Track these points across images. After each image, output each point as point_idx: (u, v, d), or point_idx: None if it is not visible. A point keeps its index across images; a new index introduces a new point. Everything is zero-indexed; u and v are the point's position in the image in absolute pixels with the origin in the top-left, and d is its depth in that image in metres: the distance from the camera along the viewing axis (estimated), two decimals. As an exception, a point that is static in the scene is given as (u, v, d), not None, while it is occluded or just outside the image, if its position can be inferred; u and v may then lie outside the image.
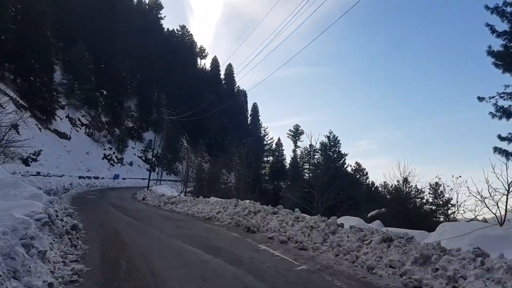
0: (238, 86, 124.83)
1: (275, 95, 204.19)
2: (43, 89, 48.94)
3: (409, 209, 54.94)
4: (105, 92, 65.38)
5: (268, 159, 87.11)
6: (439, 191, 51.89)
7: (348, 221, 10.48)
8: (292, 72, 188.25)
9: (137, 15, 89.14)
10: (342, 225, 9.56)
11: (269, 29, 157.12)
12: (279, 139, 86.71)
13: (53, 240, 7.99)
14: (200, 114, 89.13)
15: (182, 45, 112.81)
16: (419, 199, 55.90)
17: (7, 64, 47.46)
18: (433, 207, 52.24)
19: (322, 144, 79.89)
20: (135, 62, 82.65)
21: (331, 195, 18.39)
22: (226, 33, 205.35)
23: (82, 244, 8.60)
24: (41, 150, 33.87)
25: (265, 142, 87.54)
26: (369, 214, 14.38)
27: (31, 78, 46.28)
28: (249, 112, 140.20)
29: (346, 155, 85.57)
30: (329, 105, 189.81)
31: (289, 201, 42.97)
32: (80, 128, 58.73)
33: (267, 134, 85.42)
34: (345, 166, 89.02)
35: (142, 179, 62.47)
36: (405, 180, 57.24)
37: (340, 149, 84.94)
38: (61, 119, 54.09)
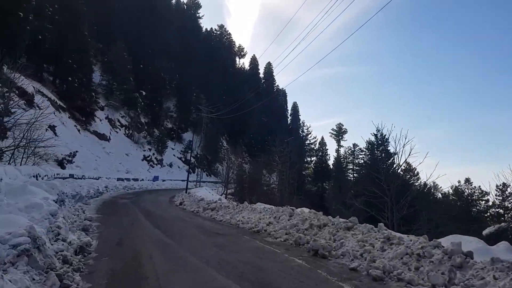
0: (277, 85, 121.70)
1: (313, 95, 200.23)
2: (82, 90, 48.01)
3: (471, 213, 49.45)
4: (144, 93, 64.28)
5: (311, 159, 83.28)
6: (507, 192, 46.28)
7: (465, 244, 7.05)
8: (328, 72, 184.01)
9: (176, 15, 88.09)
10: (470, 255, 6.18)
11: (305, 28, 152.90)
12: (322, 138, 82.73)
13: (32, 280, 5.20)
14: (239, 112, 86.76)
15: (221, 45, 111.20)
16: (484, 202, 50.32)
17: (45, 65, 46.90)
18: (500, 210, 46.61)
19: (368, 142, 75.22)
20: (174, 62, 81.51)
21: (406, 202, 14.83)
22: (262, 33, 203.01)
23: (81, 281, 5.79)
24: (76, 151, 32.35)
25: (308, 142, 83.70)
26: (485, 231, 10.93)
27: (69, 78, 45.36)
28: (289, 111, 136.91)
29: (395, 154, 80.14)
30: (367, 104, 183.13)
31: (340, 208, 39.33)
32: (120, 129, 57.71)
33: (310, 133, 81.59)
34: (394, 166, 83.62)
35: (182, 180, 60.67)
36: (467, 180, 51.58)
37: (388, 148, 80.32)
38: (100, 120, 53.16)
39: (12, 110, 27.98)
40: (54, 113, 42.24)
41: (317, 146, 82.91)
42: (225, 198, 51.34)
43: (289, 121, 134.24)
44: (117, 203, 19.69)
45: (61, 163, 30.44)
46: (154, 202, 22.83)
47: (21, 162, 21.93)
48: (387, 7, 40.23)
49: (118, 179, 40.43)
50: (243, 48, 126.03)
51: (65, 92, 46.68)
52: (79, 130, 45.69)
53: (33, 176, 16.95)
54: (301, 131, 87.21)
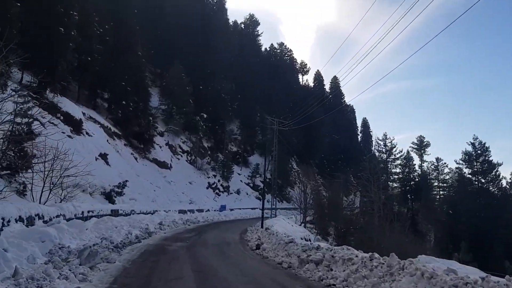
0: (345, 100, 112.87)
1: (378, 112, 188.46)
2: (138, 114, 43.71)
3: None
4: (205, 116, 59.41)
5: (397, 177, 72.74)
6: None
7: None
8: (393, 87, 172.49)
9: (233, 33, 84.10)
10: None
11: (363, 45, 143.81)
12: (408, 153, 72.42)
13: None
14: (309, 122, 79.13)
15: (282, 62, 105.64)
16: None
17: (99, 91, 43.28)
18: None
19: (465, 153, 63.46)
20: (234, 82, 76.55)
21: None
22: (318, 54, 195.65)
23: None
24: (126, 181, 26.86)
25: (392, 157, 73.35)
26: None
27: (124, 102, 41.17)
28: (359, 128, 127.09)
29: (499, 165, 67.06)
30: (438, 117, 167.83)
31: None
32: (181, 156, 52.80)
33: (394, 147, 71.07)
34: (499, 179, 69.96)
35: (252, 208, 54.08)
36: None
37: (490, 158, 67.33)
38: (160, 147, 48.54)
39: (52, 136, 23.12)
40: (107, 140, 38.05)
41: (399, 162, 72.47)
42: (304, 226, 43.76)
43: (359, 139, 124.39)
44: (164, 251, 13.03)
45: (109, 196, 24.91)
46: (220, 245, 15.93)
47: (40, 196, 16.32)
48: (447, 15, 31.50)
49: (180, 212, 34.54)
50: (306, 64, 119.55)
51: (120, 118, 42.61)
52: (136, 158, 40.97)
53: (57, 216, 11.23)
54: (379, 146, 77.15)
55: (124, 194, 26.38)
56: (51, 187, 16.16)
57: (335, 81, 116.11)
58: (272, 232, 16.81)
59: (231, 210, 48.00)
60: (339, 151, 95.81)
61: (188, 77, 56.85)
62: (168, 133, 52.49)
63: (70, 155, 20.01)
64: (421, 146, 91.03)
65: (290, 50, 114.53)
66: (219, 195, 52.93)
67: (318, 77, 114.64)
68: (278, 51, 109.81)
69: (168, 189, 42.12)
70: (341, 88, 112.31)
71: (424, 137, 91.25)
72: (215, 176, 54.75)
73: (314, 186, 54.25)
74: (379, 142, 58.76)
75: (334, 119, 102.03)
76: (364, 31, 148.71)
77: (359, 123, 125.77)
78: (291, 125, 31.04)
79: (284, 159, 69.03)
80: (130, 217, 19.68)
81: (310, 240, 24.34)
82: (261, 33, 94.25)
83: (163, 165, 46.47)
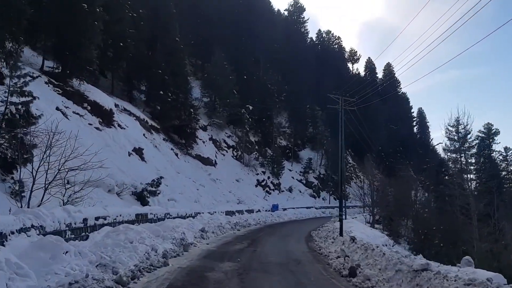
0: (401, 88, 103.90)
1: (430, 103, 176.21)
2: (178, 106, 39.50)
3: None
4: (250, 108, 54.35)
5: (470, 168, 63.66)
6: None
7: None
8: (441, 77, 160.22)
9: (277, 19, 78.64)
10: None
11: (412, 36, 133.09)
12: (481, 140, 63.59)
13: None
14: (365, 119, 72.57)
15: (330, 51, 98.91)
16: None
17: (135, 81, 39.45)
18: None
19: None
20: (280, 72, 70.93)
21: None
22: (368, 40, 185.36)
23: None
24: (161, 178, 22.22)
25: (467, 145, 64.17)
26: None
27: (161, 92, 37.02)
28: (415, 119, 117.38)
29: None
30: (493, 105, 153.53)
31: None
32: (227, 151, 48.18)
33: (469, 133, 61.73)
34: None
35: (307, 208, 48.50)
36: None
37: None
38: (203, 142, 44.15)
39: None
40: (144, 134, 33.98)
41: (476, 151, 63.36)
42: (373, 227, 37.62)
43: (415, 130, 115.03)
44: (202, 283, 7.91)
45: (141, 197, 20.41)
46: (287, 265, 10.69)
47: (42, 198, 11.83)
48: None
49: (227, 213, 29.70)
50: (356, 51, 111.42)
51: (158, 111, 38.62)
52: (177, 154, 36.70)
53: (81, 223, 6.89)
54: (450, 133, 67.62)
55: (159, 193, 21.80)
56: (46, 185, 11.56)
57: (388, 68, 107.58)
58: (367, 245, 11.18)
59: (284, 210, 42.74)
60: (397, 143, 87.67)
61: (231, 66, 52.17)
62: (212, 127, 48.04)
63: (87, 146, 15.63)
64: (489, 134, 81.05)
65: (338, 38, 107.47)
66: (270, 194, 47.78)
67: (370, 65, 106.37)
68: (326, 38, 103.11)
69: (213, 188, 37.51)
70: (396, 75, 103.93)
71: (492, 124, 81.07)
72: (264, 172, 49.67)
73: (381, 181, 47.58)
74: (450, 128, 50.91)
75: (390, 110, 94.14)
76: (408, 20, 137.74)
77: (414, 114, 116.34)
78: (358, 104, 25.42)
79: (338, 152, 62.66)
80: (162, 224, 14.88)
81: (388, 246, 18.73)
82: (307, 19, 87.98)
83: (207, 161, 42.03)
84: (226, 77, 50.11)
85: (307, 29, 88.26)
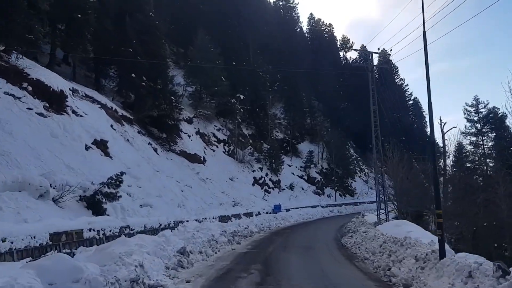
0: (400, 74, 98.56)
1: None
2: (156, 93, 32.98)
3: None
4: (241, 97, 48.04)
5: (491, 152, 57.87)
6: None
7: None
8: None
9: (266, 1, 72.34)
10: None
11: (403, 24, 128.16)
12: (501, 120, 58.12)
13: None
14: (368, 108, 67.14)
15: (323, 39, 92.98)
16: None
17: (102, 66, 32.72)
18: None
19: None
20: (272, 60, 64.62)
21: None
22: (359, 28, 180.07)
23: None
24: (122, 174, 15.52)
25: (488, 126, 58.38)
26: None
27: (133, 75, 30.46)
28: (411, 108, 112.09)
29: None
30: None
31: None
32: (217, 146, 41.81)
33: (491, 112, 55.14)
34: None
35: (312, 207, 42.34)
36: None
37: None
38: (189, 136, 37.80)
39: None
40: (112, 126, 27.44)
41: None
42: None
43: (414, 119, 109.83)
44: None
45: (93, 202, 13.98)
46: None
47: None
48: None
49: (221, 219, 23.44)
50: (348, 39, 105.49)
51: (133, 101, 32.23)
52: (156, 150, 30.22)
53: None
54: (469, 113, 61.84)
55: (119, 197, 15.20)
56: None
57: (384, 55, 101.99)
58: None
59: (287, 210, 36.60)
60: (400, 132, 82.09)
61: (217, 49, 45.80)
62: (198, 119, 41.67)
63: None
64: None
65: (330, 25, 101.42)
66: (269, 193, 41.56)
67: (364, 53, 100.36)
68: (317, 26, 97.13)
69: (203, 189, 31.16)
70: (393, 62, 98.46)
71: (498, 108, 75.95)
72: (261, 169, 43.40)
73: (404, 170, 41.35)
74: (469, 109, 45.31)
75: (390, 97, 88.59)
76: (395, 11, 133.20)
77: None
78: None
79: (340, 144, 56.70)
80: (104, 249, 8.45)
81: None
82: (297, 3, 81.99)
83: (194, 158, 35.69)
84: (212, 62, 43.80)
85: (298, 14, 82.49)
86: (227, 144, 43.07)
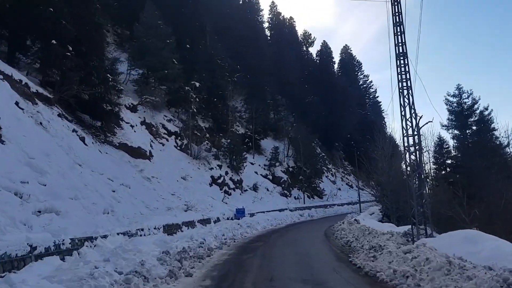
0: (364, 70, 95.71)
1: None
2: (87, 68, 26.00)
3: None
4: (197, 84, 41.76)
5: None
6: None
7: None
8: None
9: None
10: None
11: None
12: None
13: None
14: (335, 102, 62.80)
15: (283, 31, 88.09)
16: None
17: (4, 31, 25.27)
18: None
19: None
20: (231, 49, 58.62)
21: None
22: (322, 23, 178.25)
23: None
24: None
25: (474, 118, 53.45)
26: None
27: (54, 41, 23.36)
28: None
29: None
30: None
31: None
32: (167, 140, 35.28)
33: (476, 102, 49.50)
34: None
35: (279, 210, 36.73)
36: None
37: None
38: (132, 126, 31.17)
39: None
40: (18, 103, 20.34)
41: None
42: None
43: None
44: None
45: None
46: None
47: None
48: None
49: (167, 229, 17.12)
50: (310, 34, 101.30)
51: (57, 81, 25.11)
52: (83, 139, 23.31)
53: None
54: (451, 104, 57.57)
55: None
56: None
57: (346, 51, 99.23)
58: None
59: (252, 215, 30.83)
60: (367, 128, 78.77)
61: (169, 27, 39.34)
62: (145, 107, 35.00)
63: None
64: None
65: (291, 18, 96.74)
66: (230, 194, 35.54)
67: (325, 49, 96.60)
68: (279, 18, 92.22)
69: (146, 190, 24.60)
70: (356, 58, 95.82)
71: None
72: (220, 167, 37.24)
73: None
74: (451, 99, 41.39)
75: (356, 92, 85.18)
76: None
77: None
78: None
79: (307, 140, 51.62)
80: None
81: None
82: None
83: (137, 153, 29.11)
84: (163, 41, 37.37)
85: (258, 2, 76.93)
86: (179, 138, 36.61)
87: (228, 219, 27.22)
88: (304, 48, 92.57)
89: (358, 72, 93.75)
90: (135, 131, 31.39)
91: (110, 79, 28.06)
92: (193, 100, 39.75)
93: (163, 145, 34.09)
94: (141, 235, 14.04)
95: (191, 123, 38.89)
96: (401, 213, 28.01)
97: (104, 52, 29.73)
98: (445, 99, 41.21)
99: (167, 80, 38.00)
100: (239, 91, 56.59)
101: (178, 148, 35.68)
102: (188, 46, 44.03)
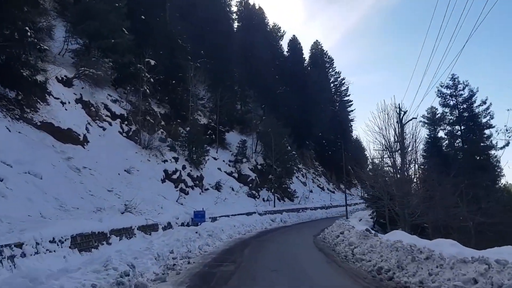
0: (335, 66, 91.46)
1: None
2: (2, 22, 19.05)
3: None
4: (152, 62, 35.26)
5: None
6: None
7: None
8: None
9: None
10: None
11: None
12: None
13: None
14: (307, 98, 57.93)
15: (252, 18, 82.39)
16: None
17: None
18: None
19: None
20: (194, 30, 52.19)
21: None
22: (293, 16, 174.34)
23: None
24: None
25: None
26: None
27: None
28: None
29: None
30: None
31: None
32: (111, 124, 28.58)
33: (474, 94, 44.43)
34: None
35: (247, 214, 30.93)
36: None
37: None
38: (63, 103, 24.45)
39: None
40: None
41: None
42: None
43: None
44: None
45: None
46: None
47: None
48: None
49: (79, 243, 10.76)
50: (280, 27, 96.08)
51: None
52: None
53: None
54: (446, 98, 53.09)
55: None
56: None
57: (317, 47, 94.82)
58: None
59: (214, 219, 24.95)
60: (339, 127, 74.61)
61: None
62: (83, 82, 28.09)
63: None
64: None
65: (260, 8, 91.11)
66: (187, 193, 29.30)
67: (295, 43, 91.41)
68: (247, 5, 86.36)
69: (71, 183, 18.12)
70: (327, 54, 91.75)
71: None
72: (176, 159, 30.91)
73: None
74: (445, 91, 36.52)
75: (327, 90, 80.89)
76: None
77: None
78: None
79: (279, 135, 46.13)
80: None
81: None
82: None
83: (67, 136, 22.54)
84: (110, 3, 30.64)
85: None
86: (126, 122, 29.98)
87: (183, 224, 21.09)
88: (275, 39, 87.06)
89: (330, 69, 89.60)
90: (66, 109, 24.64)
91: (30, 33, 21.17)
92: (146, 80, 33.22)
93: (104, 129, 27.40)
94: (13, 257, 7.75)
95: (142, 106, 32.33)
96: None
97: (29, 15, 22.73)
98: (438, 90, 36.97)
99: (115, 51, 31.21)
100: (203, 79, 50.25)
101: (124, 134, 29.06)
102: (143, 17, 37.44)
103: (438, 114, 38.84)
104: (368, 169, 30.95)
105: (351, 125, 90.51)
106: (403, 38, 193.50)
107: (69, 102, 25.40)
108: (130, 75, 32.73)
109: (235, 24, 70.06)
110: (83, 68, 28.38)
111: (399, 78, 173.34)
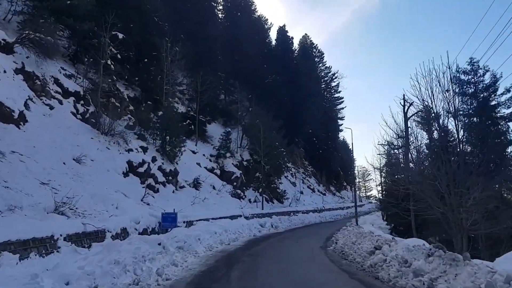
0: (326, 61, 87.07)
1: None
2: None
3: None
4: (120, 36, 29.90)
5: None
6: None
7: None
8: None
9: None
10: None
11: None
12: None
13: None
14: (298, 93, 53.27)
15: (238, 6, 77.34)
16: None
17: None
18: None
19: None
20: (173, 11, 46.69)
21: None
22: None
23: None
24: None
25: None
26: None
27: None
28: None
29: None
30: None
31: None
32: (61, 102, 23.08)
33: (498, 79, 39.44)
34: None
35: (231, 218, 25.69)
36: None
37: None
38: (-6, 71, 18.78)
39: None
40: None
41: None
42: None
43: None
44: None
45: None
46: None
47: None
48: None
49: None
50: (267, 19, 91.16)
51: None
52: None
53: None
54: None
55: None
56: None
57: (305, 41, 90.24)
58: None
59: (189, 224, 19.85)
60: (330, 124, 70.16)
61: None
62: (27, 49, 22.60)
63: None
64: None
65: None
66: (157, 191, 23.95)
67: (283, 35, 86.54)
68: None
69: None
70: (317, 48, 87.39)
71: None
72: (145, 150, 25.55)
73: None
74: (462, 77, 31.52)
75: (317, 85, 76.32)
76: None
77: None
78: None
79: (268, 126, 41.06)
80: None
81: None
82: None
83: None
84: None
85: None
86: (82, 102, 24.46)
87: (146, 231, 15.83)
88: (263, 27, 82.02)
89: (320, 63, 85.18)
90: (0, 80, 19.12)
91: None
92: (109, 53, 27.74)
93: (52, 108, 21.86)
94: None
95: (106, 84, 26.85)
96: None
97: None
98: (453, 77, 32.39)
99: (71, 17, 25.76)
100: (181, 65, 44.77)
101: (79, 116, 23.56)
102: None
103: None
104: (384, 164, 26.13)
105: (341, 124, 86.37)
106: (382, 44, 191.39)
107: (4, 71, 19.91)
108: (91, 47, 27.32)
109: (219, 7, 64.72)
110: (27, 31, 22.87)
111: (384, 83, 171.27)
